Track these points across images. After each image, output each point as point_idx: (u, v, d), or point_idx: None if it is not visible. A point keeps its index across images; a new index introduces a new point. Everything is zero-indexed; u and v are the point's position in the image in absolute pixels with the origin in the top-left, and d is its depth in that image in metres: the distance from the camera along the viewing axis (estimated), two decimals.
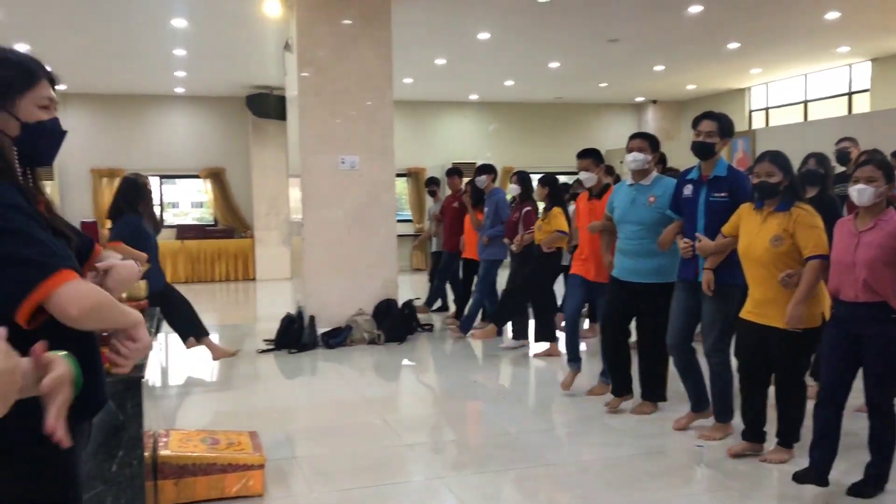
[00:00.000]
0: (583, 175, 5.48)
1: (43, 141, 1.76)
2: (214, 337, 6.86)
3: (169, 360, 7.18)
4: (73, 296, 1.51)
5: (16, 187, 1.61)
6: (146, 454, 3.42)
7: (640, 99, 16.02)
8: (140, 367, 2.84)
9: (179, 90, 13.46)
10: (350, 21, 7.61)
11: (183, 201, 16.50)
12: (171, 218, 14.95)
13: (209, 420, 5.11)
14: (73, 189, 13.56)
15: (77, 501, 1.73)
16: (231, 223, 14.47)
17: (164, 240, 13.64)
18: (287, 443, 4.56)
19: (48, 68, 1.80)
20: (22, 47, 9.38)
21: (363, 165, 7.71)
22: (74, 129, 13.64)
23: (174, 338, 6.56)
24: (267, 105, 12.99)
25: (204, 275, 14.00)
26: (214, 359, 6.46)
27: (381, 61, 7.74)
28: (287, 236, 8.00)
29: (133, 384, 2.76)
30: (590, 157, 5.45)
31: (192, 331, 6.21)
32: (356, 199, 7.71)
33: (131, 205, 5.66)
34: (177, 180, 15.03)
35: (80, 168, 13.54)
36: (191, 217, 15.57)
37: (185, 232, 14.12)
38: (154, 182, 14.49)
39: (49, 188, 13.05)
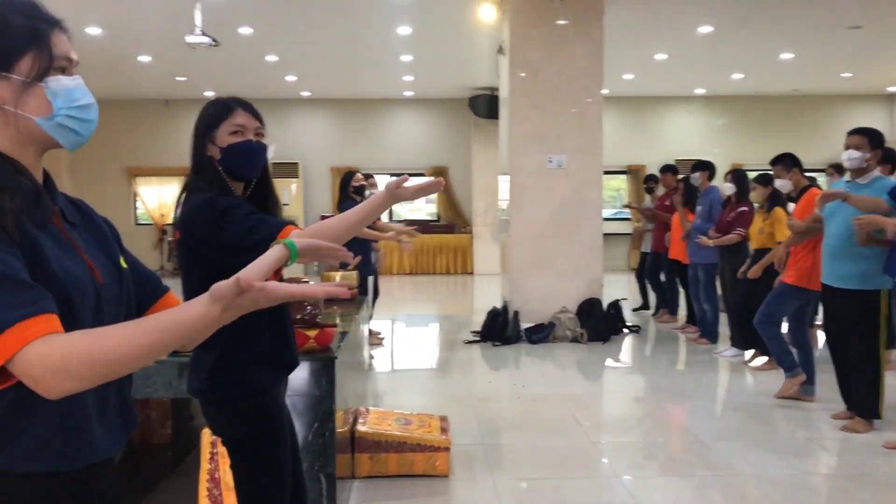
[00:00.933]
0: (778, 183, 5.25)
1: (238, 159, 2.17)
2: (434, 328, 7.27)
3: (389, 345, 7.73)
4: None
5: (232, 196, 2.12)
6: (345, 428, 3.81)
7: (892, 89, 14.50)
8: (333, 350, 3.20)
9: (408, 93, 14.31)
10: (563, 21, 7.71)
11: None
12: (405, 213, 15.92)
13: (410, 401, 5.49)
14: (314, 186, 14.91)
15: (280, 433, 2.19)
16: (452, 219, 15.15)
17: None
18: (478, 430, 4.79)
19: (239, 98, 2.24)
20: (271, 59, 10.53)
21: (570, 164, 7.78)
22: (317, 131, 15.03)
23: (390, 325, 7.06)
24: (487, 106, 13.44)
25: (426, 267, 14.79)
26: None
27: (592, 60, 7.76)
28: (496, 233, 8.26)
29: (328, 363, 3.11)
30: (779, 163, 5.21)
31: None
32: (562, 197, 7.80)
33: (345, 193, 6.33)
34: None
35: (321, 166, 14.87)
36: (424, 213, 16.43)
37: (411, 226, 14.98)
38: (383, 179, 15.54)
39: (294, 185, 14.49)
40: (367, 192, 6.92)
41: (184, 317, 1.09)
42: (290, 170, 14.70)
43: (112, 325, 1.11)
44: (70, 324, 1.15)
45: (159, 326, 1.09)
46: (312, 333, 3.16)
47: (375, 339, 7.57)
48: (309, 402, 3.11)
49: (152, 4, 8.20)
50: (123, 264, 1.38)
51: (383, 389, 6.03)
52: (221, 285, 1.06)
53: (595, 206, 7.93)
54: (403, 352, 7.39)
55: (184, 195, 2.21)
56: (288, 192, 14.67)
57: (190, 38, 7.91)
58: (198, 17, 7.93)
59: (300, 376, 3.08)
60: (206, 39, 7.91)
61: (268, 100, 14.72)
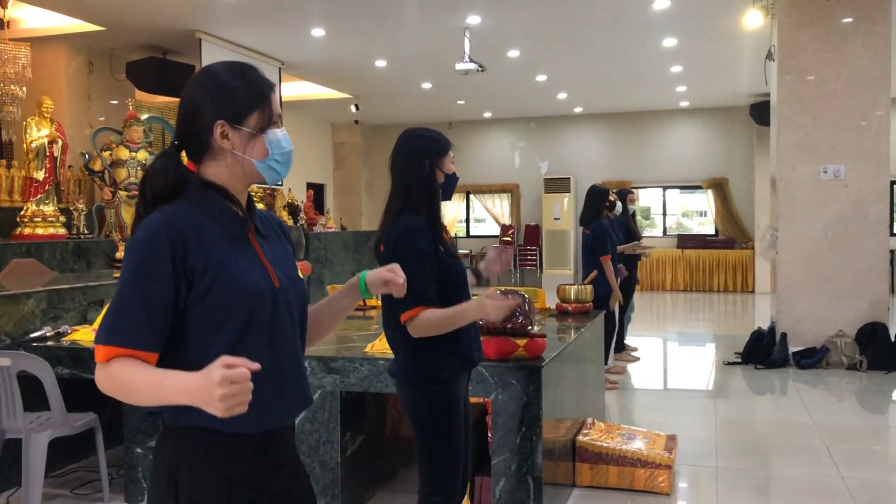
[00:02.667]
0: None
1: (452, 186, 2.61)
2: (697, 347, 7.10)
3: (646, 361, 7.65)
4: None
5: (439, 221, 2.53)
6: (566, 437, 3.93)
7: None
8: (541, 359, 3.35)
9: (683, 104, 13.91)
10: (843, 19, 7.10)
11: (685, 211, 16.90)
12: (674, 227, 15.50)
13: (650, 419, 5.42)
14: None
15: (457, 418, 2.47)
16: (731, 234, 14.40)
17: (665, 248, 14.28)
18: (715, 451, 4.62)
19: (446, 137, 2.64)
20: (541, 78, 10.92)
21: (848, 174, 7.11)
22: (588, 146, 15.21)
23: (653, 342, 6.99)
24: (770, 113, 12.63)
25: (702, 284, 14.21)
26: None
27: (875, 59, 7.04)
28: (764, 249, 7.79)
29: (535, 372, 3.27)
30: None
31: None
32: (838, 211, 7.15)
33: (598, 211, 6.33)
34: (679, 190, 15.51)
35: (594, 179, 14.94)
36: (700, 226, 15.84)
37: (685, 241, 14.53)
38: (656, 194, 15.24)
39: (566, 199, 14.76)
40: (628, 208, 6.91)
41: (177, 386, 1.38)
42: (562, 185, 15.02)
43: (149, 369, 1.44)
44: (249, 318, 1.52)
45: (159, 386, 1.39)
46: (522, 342, 3.35)
47: (628, 355, 7.52)
48: (516, 407, 3.29)
49: (428, 37, 8.95)
50: (301, 275, 1.70)
51: (624, 404, 6.01)
52: None
53: (880, 219, 7.15)
54: (657, 369, 7.27)
55: (392, 214, 2.53)
56: (560, 206, 15.00)
57: (459, 66, 8.53)
58: (466, 45, 8.52)
59: (507, 381, 3.28)
60: (473, 66, 8.48)
61: (542, 117, 15.23)
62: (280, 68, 10.14)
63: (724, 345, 8.43)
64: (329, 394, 3.52)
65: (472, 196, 16.36)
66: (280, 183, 10.34)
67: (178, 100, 9.20)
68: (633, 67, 10.62)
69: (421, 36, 8.96)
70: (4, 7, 7.90)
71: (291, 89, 11.97)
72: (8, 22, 8.11)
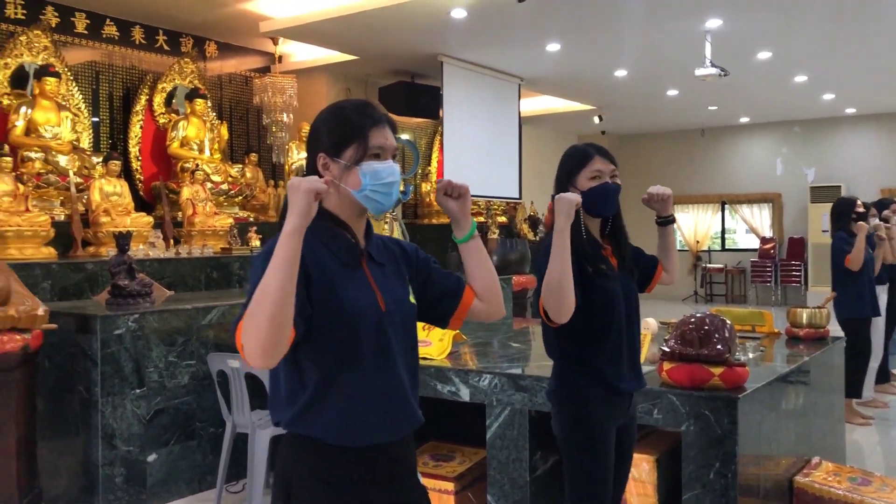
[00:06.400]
0: None
1: (596, 200, 2.43)
2: None
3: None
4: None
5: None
6: (783, 475, 3.58)
7: None
8: (741, 389, 3.08)
9: None
10: None
11: None
12: None
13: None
14: None
15: (600, 446, 2.39)
16: None
17: None
18: None
19: (596, 145, 2.50)
20: (800, 79, 10.07)
21: None
22: (862, 151, 13.71)
23: None
24: None
25: None
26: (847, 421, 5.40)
27: None
28: None
29: (730, 404, 3.02)
30: None
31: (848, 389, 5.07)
32: None
33: (844, 224, 5.76)
34: None
35: (868, 189, 13.41)
36: None
37: None
38: None
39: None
40: (873, 222, 6.15)
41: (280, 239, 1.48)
42: (831, 193, 13.60)
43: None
44: (353, 338, 1.62)
45: (271, 262, 1.47)
46: (717, 371, 3.10)
47: (893, 387, 6.64)
48: (709, 441, 3.06)
49: (667, 44, 8.62)
50: (412, 300, 1.76)
51: (880, 445, 5.32)
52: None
53: None
54: None
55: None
56: (828, 217, 13.62)
57: (699, 71, 8.12)
58: (707, 50, 8.08)
59: (700, 412, 3.06)
60: (714, 70, 8.02)
61: (806, 120, 13.98)
62: (519, 85, 10.34)
63: None
64: (518, 412, 3.53)
65: (727, 206, 15.42)
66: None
67: (423, 120, 9.74)
68: None
69: (660, 44, 8.65)
70: (276, 44, 8.93)
71: (532, 104, 12.13)
72: (280, 56, 9.15)
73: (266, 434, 3.84)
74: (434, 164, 11.08)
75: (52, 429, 4.17)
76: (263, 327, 1.42)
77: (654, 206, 2.64)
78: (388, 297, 1.69)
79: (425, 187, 10.53)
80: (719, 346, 3.12)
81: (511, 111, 10.34)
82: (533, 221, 10.99)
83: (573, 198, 2.28)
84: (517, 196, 10.64)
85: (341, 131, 1.68)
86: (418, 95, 9.80)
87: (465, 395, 3.55)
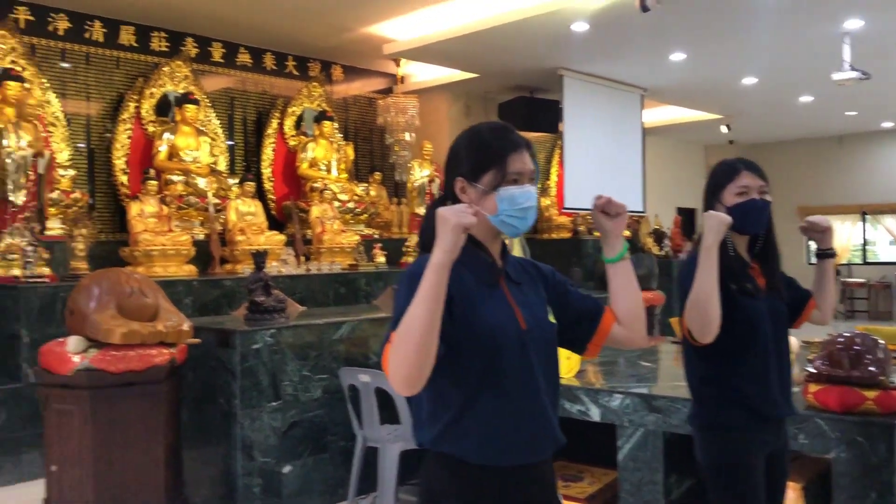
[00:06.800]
0: None
1: (743, 217, 2.32)
2: None
3: None
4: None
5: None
6: None
7: None
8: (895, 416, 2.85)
9: None
10: None
11: None
12: None
13: None
14: None
15: (745, 474, 2.25)
16: None
17: None
18: None
19: (745, 160, 2.42)
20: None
21: None
22: None
23: None
24: None
25: None
26: None
27: None
28: None
29: (885, 430, 2.81)
30: None
31: None
32: None
33: None
34: None
35: None
36: None
37: None
38: None
39: None
40: None
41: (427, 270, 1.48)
42: None
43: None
44: (493, 356, 1.62)
45: (417, 292, 1.48)
46: (871, 395, 2.89)
47: None
48: (863, 469, 2.86)
49: (800, 49, 8.23)
50: (552, 320, 1.74)
51: None
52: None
53: None
54: None
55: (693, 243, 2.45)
56: None
57: (837, 75, 7.70)
58: (846, 53, 7.65)
59: (852, 438, 2.86)
60: (854, 74, 7.58)
61: None
62: (642, 95, 10.12)
63: None
64: (651, 433, 3.41)
65: (867, 217, 14.49)
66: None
67: (542, 135, 9.67)
68: None
69: (792, 49, 8.26)
70: (398, 65, 9.13)
71: (655, 115, 11.85)
72: (402, 77, 9.36)
73: (395, 448, 3.89)
74: (553, 177, 11.00)
75: (195, 439, 4.37)
76: (409, 358, 1.46)
77: (813, 237, 2.50)
78: (528, 315, 1.68)
79: (544, 202, 10.46)
80: (872, 368, 2.92)
81: (633, 122, 10.14)
82: (658, 235, 10.71)
83: (723, 218, 2.20)
84: (641, 209, 10.40)
85: (480, 156, 1.69)
86: (537, 110, 9.77)
87: (595, 414, 3.47)
